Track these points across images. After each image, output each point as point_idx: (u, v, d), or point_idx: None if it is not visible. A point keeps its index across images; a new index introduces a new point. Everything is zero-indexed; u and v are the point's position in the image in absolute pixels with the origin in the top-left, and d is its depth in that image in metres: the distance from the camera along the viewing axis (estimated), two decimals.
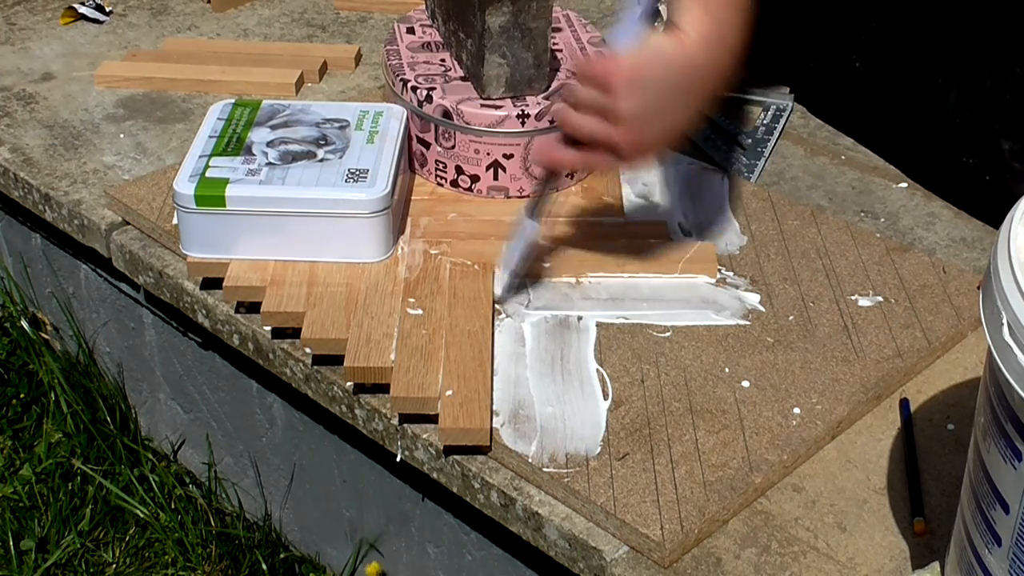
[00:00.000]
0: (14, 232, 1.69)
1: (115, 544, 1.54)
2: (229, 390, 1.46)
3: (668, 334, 1.17)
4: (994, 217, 1.33)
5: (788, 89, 1.62)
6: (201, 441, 1.55)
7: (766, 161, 1.47)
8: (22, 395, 1.71)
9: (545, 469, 1.03)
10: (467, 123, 1.30)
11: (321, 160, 1.26)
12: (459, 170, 1.34)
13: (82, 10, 1.82)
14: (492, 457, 1.07)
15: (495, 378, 1.11)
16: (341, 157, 1.27)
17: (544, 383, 1.12)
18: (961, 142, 1.34)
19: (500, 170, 1.33)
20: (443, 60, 1.38)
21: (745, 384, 1.12)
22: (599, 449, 1.05)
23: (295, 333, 1.18)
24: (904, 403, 1.11)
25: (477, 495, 1.08)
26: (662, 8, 1.20)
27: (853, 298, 1.22)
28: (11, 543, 1.51)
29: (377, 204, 1.22)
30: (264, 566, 1.46)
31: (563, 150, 1.10)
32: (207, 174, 1.23)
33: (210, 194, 1.21)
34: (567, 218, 1.32)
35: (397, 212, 1.27)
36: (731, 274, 1.25)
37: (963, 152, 1.34)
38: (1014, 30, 1.28)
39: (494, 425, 1.06)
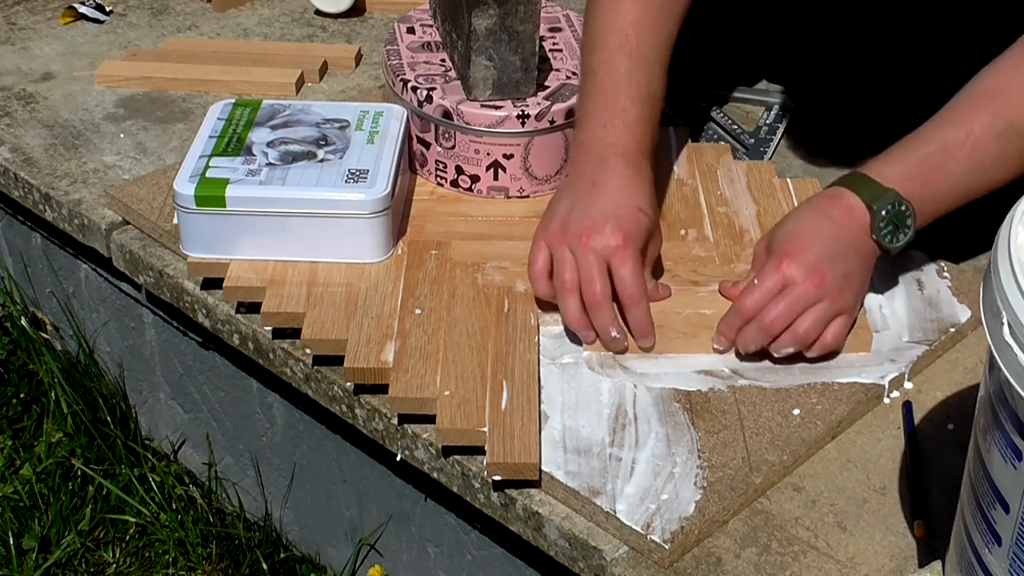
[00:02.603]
0: (14, 232, 1.69)
1: (115, 544, 1.54)
2: (229, 390, 1.46)
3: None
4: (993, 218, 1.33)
5: (788, 89, 1.62)
6: (201, 441, 1.55)
7: (769, 160, 1.47)
8: (22, 395, 1.71)
9: (545, 468, 1.03)
10: (467, 123, 1.30)
11: (321, 160, 1.26)
12: (459, 170, 1.34)
13: (82, 10, 1.82)
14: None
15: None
16: (341, 157, 1.27)
17: (551, 384, 1.12)
18: None
19: (500, 170, 1.33)
20: (443, 60, 1.38)
21: (744, 383, 1.12)
22: (600, 449, 1.05)
23: (295, 333, 1.18)
24: (907, 407, 1.11)
25: (477, 495, 1.08)
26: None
27: None
28: (11, 543, 1.51)
29: (377, 204, 1.22)
30: (264, 566, 1.46)
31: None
32: (207, 174, 1.23)
33: (210, 194, 1.21)
34: None
35: (397, 212, 1.27)
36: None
37: None
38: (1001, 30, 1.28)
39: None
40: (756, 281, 1.11)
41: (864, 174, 1.12)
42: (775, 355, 1.12)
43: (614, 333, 1.12)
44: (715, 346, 1.14)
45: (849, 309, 1.11)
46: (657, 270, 1.21)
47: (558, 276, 1.14)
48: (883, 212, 1.10)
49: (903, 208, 1.10)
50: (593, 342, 1.14)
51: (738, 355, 1.14)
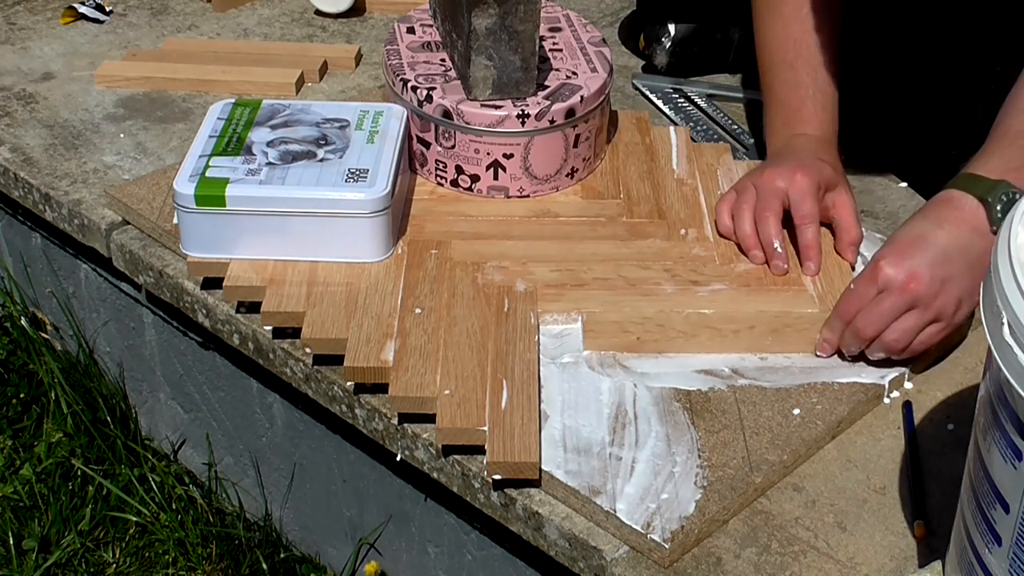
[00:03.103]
0: (14, 232, 1.69)
1: (115, 544, 1.54)
2: (229, 390, 1.46)
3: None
4: None
5: None
6: (201, 441, 1.55)
7: None
8: (22, 395, 1.71)
9: (545, 468, 1.03)
10: (467, 123, 1.30)
11: (321, 160, 1.26)
12: (459, 170, 1.34)
13: (82, 10, 1.82)
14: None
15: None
16: (341, 157, 1.27)
17: (551, 383, 1.12)
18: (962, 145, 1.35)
19: (500, 170, 1.33)
20: (443, 60, 1.38)
21: (744, 383, 1.12)
22: (600, 448, 1.05)
23: (295, 333, 1.18)
24: (907, 407, 1.11)
25: (477, 495, 1.08)
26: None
27: None
28: (11, 543, 1.51)
29: (377, 204, 1.22)
30: (264, 566, 1.46)
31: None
32: (207, 174, 1.23)
33: (210, 194, 1.21)
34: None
35: (397, 212, 1.27)
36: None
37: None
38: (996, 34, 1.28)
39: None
40: (852, 285, 1.12)
41: (969, 172, 1.11)
42: (871, 358, 1.12)
43: (776, 245, 1.22)
44: (817, 352, 1.14)
45: (945, 315, 1.10)
46: (842, 225, 1.25)
47: (736, 203, 1.26)
48: (998, 205, 1.08)
49: (1016, 195, 1.08)
50: (762, 263, 1.23)
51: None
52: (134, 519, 1.54)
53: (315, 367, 1.17)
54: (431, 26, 1.45)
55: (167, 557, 1.51)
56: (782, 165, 1.26)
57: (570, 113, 1.31)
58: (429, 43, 1.42)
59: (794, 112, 1.31)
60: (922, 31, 1.42)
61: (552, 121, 1.31)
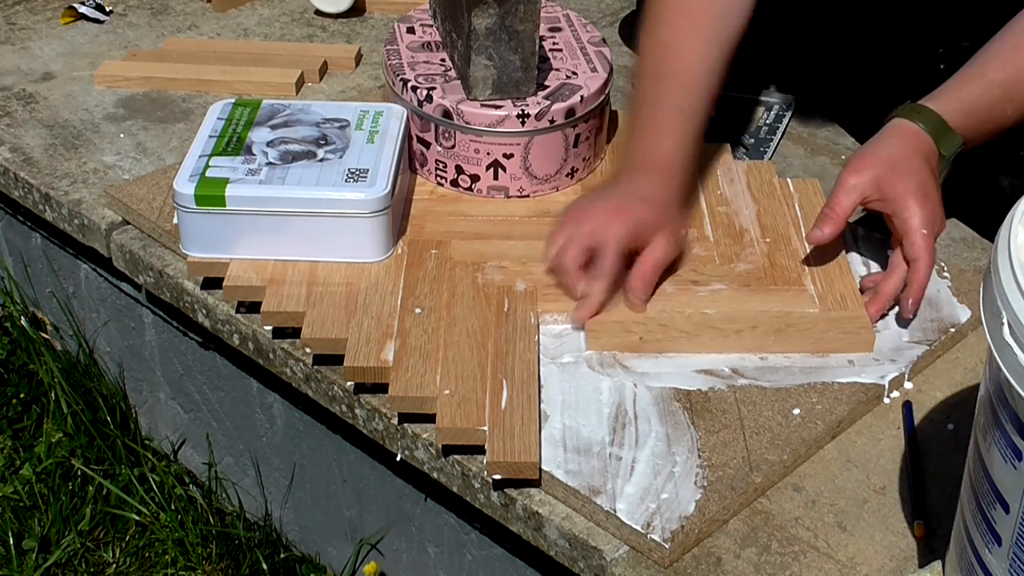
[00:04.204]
0: (14, 232, 1.69)
1: (115, 544, 1.54)
2: (229, 390, 1.46)
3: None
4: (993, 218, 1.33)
5: (788, 89, 1.62)
6: (201, 441, 1.55)
7: (769, 160, 1.47)
8: (22, 395, 1.71)
9: (545, 468, 1.03)
10: (467, 123, 1.30)
11: (321, 160, 1.26)
12: (459, 170, 1.34)
13: (82, 10, 1.82)
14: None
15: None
16: (341, 157, 1.27)
17: (551, 383, 1.12)
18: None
19: (500, 170, 1.33)
20: (443, 60, 1.38)
21: (744, 383, 1.12)
22: (600, 448, 1.05)
23: (295, 333, 1.18)
24: (907, 407, 1.11)
25: (477, 495, 1.08)
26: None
27: None
28: (12, 543, 1.51)
29: (377, 204, 1.22)
30: (264, 566, 1.46)
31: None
32: (207, 174, 1.23)
33: (210, 194, 1.21)
34: None
35: (397, 212, 1.27)
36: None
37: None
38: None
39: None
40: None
41: (943, 120, 1.16)
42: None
43: (580, 287, 1.16)
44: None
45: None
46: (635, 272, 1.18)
47: (560, 234, 1.20)
48: (949, 156, 1.16)
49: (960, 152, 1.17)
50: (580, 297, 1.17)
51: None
52: (134, 519, 1.54)
53: (315, 367, 1.17)
54: (431, 26, 1.45)
55: (167, 557, 1.51)
56: (607, 201, 1.20)
57: (570, 113, 1.31)
58: (429, 43, 1.42)
59: (647, 133, 1.24)
60: (920, 30, 1.42)
61: (552, 121, 1.31)
